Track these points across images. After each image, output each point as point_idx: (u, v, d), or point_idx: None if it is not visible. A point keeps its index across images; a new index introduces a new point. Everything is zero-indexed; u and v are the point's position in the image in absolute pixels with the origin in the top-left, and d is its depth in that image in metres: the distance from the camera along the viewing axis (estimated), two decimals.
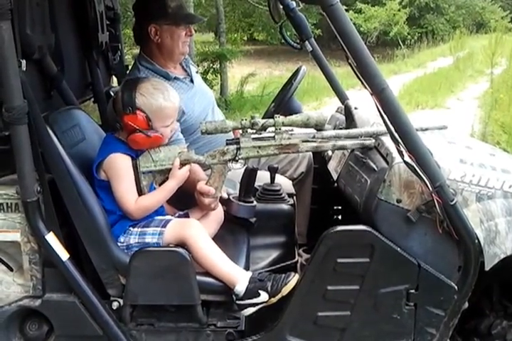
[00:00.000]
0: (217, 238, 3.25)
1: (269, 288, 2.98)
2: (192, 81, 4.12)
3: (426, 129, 3.26)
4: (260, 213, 3.57)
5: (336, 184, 3.75)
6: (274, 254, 3.61)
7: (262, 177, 3.77)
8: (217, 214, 3.45)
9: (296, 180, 4.37)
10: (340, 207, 4.47)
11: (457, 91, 16.48)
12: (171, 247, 3.06)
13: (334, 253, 2.92)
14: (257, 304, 3.00)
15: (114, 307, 3.07)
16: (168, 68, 3.98)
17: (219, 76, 15.54)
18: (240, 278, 3.02)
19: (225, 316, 3.14)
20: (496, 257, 2.96)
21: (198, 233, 3.07)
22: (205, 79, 13.47)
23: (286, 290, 2.97)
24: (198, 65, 13.91)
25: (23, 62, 2.82)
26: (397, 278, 2.97)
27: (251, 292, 2.98)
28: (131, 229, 3.13)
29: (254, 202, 3.54)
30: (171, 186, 3.18)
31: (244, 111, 13.37)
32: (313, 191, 4.47)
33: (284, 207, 3.72)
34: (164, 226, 3.12)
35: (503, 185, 3.02)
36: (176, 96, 3.19)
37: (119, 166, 3.07)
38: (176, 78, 3.98)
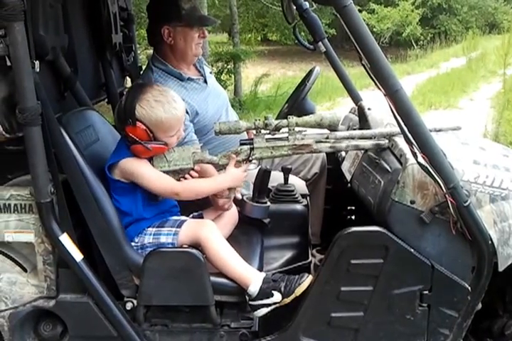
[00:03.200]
0: (231, 238, 3.25)
1: (282, 289, 2.98)
2: (206, 82, 4.12)
3: (439, 130, 3.24)
4: (274, 214, 3.57)
5: (349, 185, 3.74)
6: (287, 255, 3.61)
7: (276, 178, 3.78)
8: (232, 215, 3.46)
9: (310, 181, 4.37)
10: (353, 208, 4.46)
11: (470, 91, 16.39)
12: (185, 248, 3.06)
13: (348, 254, 2.92)
14: (270, 304, 2.99)
15: (128, 308, 3.07)
16: (181, 69, 3.98)
17: (233, 76, 15.54)
18: (253, 278, 3.02)
19: (239, 317, 3.14)
20: (510, 258, 2.96)
21: (213, 234, 3.07)
22: (219, 80, 13.47)
23: (299, 291, 2.97)
24: (212, 66, 13.93)
25: (37, 63, 2.81)
26: (410, 279, 2.96)
27: (264, 292, 2.98)
28: (146, 229, 3.13)
29: (268, 203, 3.54)
30: (221, 178, 3.19)
31: (258, 111, 13.36)
32: (326, 191, 4.47)
33: (298, 207, 3.72)
34: (179, 226, 3.12)
35: None
36: (180, 106, 3.12)
37: (137, 167, 3.07)
38: (189, 79, 3.97)
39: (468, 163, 3.01)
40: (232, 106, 4.67)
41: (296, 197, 3.77)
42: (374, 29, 26.93)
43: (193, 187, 3.15)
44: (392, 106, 2.69)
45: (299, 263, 3.54)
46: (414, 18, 29.02)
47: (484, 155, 3.17)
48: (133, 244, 3.10)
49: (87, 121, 3.38)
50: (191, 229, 3.11)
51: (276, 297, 2.98)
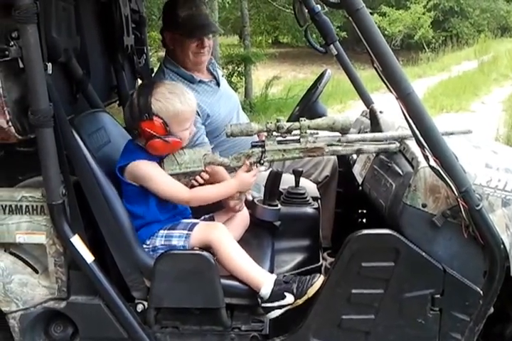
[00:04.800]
0: (242, 241, 3.24)
1: (294, 290, 2.98)
2: (218, 84, 4.13)
3: (451, 133, 3.24)
4: (285, 216, 3.58)
5: (360, 188, 3.74)
6: (298, 258, 3.61)
7: (287, 181, 3.77)
8: (243, 218, 3.45)
9: (321, 184, 4.36)
10: (364, 211, 4.44)
11: (482, 94, 16.34)
12: (196, 250, 3.07)
13: (359, 256, 2.92)
14: (282, 306, 2.99)
15: (139, 310, 3.08)
16: (193, 71, 3.99)
17: (243, 79, 15.54)
18: (265, 280, 3.01)
19: (250, 319, 3.13)
20: None
21: (224, 236, 3.08)
22: (229, 82, 13.48)
23: (311, 292, 2.97)
24: (222, 68, 13.94)
25: (49, 65, 2.82)
26: (422, 283, 2.95)
27: (276, 294, 2.98)
28: (157, 231, 3.13)
29: (279, 206, 3.55)
30: (230, 183, 3.20)
31: (268, 113, 13.36)
32: (337, 194, 4.45)
33: (309, 210, 3.72)
34: (191, 229, 3.12)
35: None
36: (193, 98, 3.16)
37: (147, 171, 3.06)
38: (200, 81, 3.98)
39: (481, 166, 3.00)
40: (243, 108, 4.68)
41: (307, 200, 3.76)
42: (385, 32, 26.80)
43: (201, 196, 3.15)
44: (404, 109, 2.68)
45: (310, 266, 3.54)
46: (425, 21, 28.92)
47: (496, 159, 3.16)
48: (144, 246, 3.10)
49: (99, 123, 3.40)
50: (203, 231, 3.11)
51: (289, 298, 2.97)
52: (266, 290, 2.99)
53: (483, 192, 2.88)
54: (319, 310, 3.01)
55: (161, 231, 3.13)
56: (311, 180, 4.26)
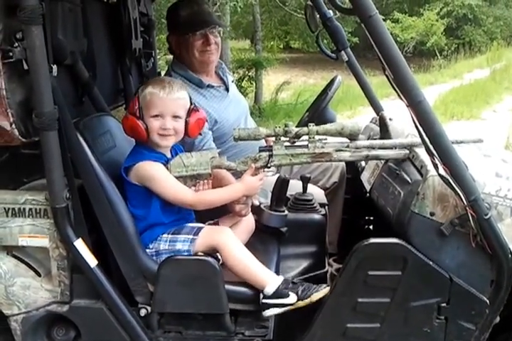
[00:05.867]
0: (248, 247, 3.21)
1: (299, 292, 2.97)
2: (227, 89, 4.12)
3: (461, 142, 3.21)
4: (291, 222, 3.55)
5: (368, 195, 3.72)
6: (304, 264, 3.58)
7: (294, 187, 3.74)
8: (249, 224, 3.43)
9: (329, 190, 4.34)
10: (371, 218, 4.43)
11: (493, 102, 16.32)
12: (200, 256, 3.05)
13: (366, 265, 2.89)
14: (283, 305, 2.97)
15: (142, 315, 3.06)
16: (201, 75, 3.98)
17: (254, 83, 15.55)
18: (271, 280, 3.00)
19: (253, 325, 3.11)
20: None
21: (230, 239, 3.06)
22: (240, 87, 13.51)
23: (316, 297, 2.96)
24: (233, 72, 13.95)
25: (54, 67, 2.81)
26: (428, 292, 2.93)
27: (281, 292, 2.97)
28: (161, 235, 3.11)
29: (286, 212, 3.53)
30: (236, 187, 3.17)
31: (277, 119, 13.38)
32: (345, 201, 4.43)
33: (316, 216, 3.69)
34: (196, 234, 3.10)
35: None
36: (176, 95, 3.11)
37: (153, 171, 3.05)
38: (209, 86, 3.97)
39: (490, 175, 2.98)
40: (252, 113, 4.68)
41: (315, 207, 3.73)
42: (398, 38, 26.75)
43: (206, 199, 3.13)
44: (414, 117, 2.66)
45: (316, 272, 3.53)
46: (438, 28, 28.88)
47: (506, 168, 3.13)
48: (147, 250, 3.08)
49: (105, 126, 3.38)
50: (208, 236, 3.09)
51: (292, 298, 2.96)
52: (271, 289, 2.97)
53: (492, 201, 2.86)
54: (324, 319, 2.99)
55: (165, 236, 3.11)
56: (318, 187, 4.24)
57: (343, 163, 4.40)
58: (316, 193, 3.94)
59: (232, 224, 3.37)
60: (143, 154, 3.11)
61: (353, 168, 4.36)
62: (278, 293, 2.97)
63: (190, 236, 3.09)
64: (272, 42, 23.22)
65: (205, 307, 3.04)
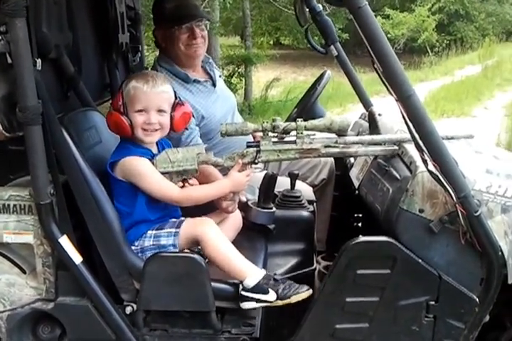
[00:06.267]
0: (235, 244, 3.18)
1: (280, 290, 2.93)
2: (214, 85, 4.08)
3: (452, 138, 3.20)
4: (279, 220, 3.53)
5: (357, 191, 3.70)
6: (292, 261, 3.55)
7: (282, 184, 3.73)
8: (235, 220, 3.40)
9: (317, 187, 4.32)
10: (360, 215, 4.39)
11: (484, 99, 16.37)
12: (186, 253, 3.03)
13: (355, 264, 2.88)
14: (261, 301, 2.94)
15: (128, 312, 3.03)
16: (187, 69, 3.94)
17: (243, 80, 15.51)
18: (252, 273, 2.97)
19: (240, 323, 3.08)
20: None
21: (211, 230, 3.02)
22: (229, 83, 13.47)
23: (295, 299, 2.92)
24: (222, 69, 13.92)
25: (38, 61, 2.77)
26: (417, 290, 2.92)
27: (261, 287, 2.94)
28: (146, 232, 3.08)
29: (273, 209, 3.50)
30: (223, 183, 3.16)
31: (267, 116, 13.29)
32: (334, 198, 4.42)
33: (304, 213, 3.67)
34: (178, 227, 3.07)
35: None
36: (160, 89, 3.08)
37: (139, 167, 3.03)
38: (195, 81, 3.94)
39: (481, 172, 2.96)
40: (242, 110, 4.65)
41: (303, 203, 3.72)
42: (388, 35, 26.66)
43: (192, 195, 3.11)
44: (403, 111, 2.64)
45: (304, 270, 3.51)
46: (430, 24, 28.83)
47: (497, 165, 3.12)
48: (133, 247, 3.05)
49: (90, 122, 3.35)
50: (190, 227, 3.05)
51: (271, 295, 2.93)
52: (251, 282, 2.94)
53: (482, 198, 2.84)
54: (313, 320, 2.97)
55: (150, 232, 3.08)
56: (307, 183, 4.23)
57: (332, 160, 4.39)
58: (305, 190, 3.92)
59: (219, 221, 3.32)
60: (129, 149, 3.08)
61: (341, 165, 4.32)
62: (258, 288, 2.94)
63: (173, 230, 3.06)
64: (261, 39, 23.19)
65: (191, 304, 3.01)
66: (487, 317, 2.99)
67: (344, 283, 2.91)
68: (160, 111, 3.08)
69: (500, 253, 2.82)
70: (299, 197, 3.72)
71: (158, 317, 3.09)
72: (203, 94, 3.92)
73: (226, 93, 4.26)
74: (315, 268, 3.62)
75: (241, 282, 2.96)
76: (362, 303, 2.93)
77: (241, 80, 15.45)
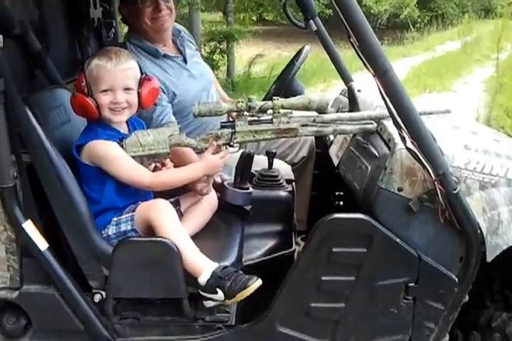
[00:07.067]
0: (210, 226, 3.18)
1: (226, 289, 2.79)
2: (185, 61, 3.95)
3: (430, 113, 3.14)
4: (256, 200, 3.46)
5: (336, 170, 3.62)
6: (270, 243, 3.51)
7: (261, 162, 3.68)
8: (211, 201, 3.31)
9: (297, 165, 4.27)
10: (342, 193, 4.34)
11: (464, 74, 16.74)
12: (156, 237, 2.90)
13: (329, 242, 2.82)
14: (216, 300, 2.85)
15: (97, 300, 2.94)
16: (157, 44, 3.83)
17: (226, 57, 15.43)
18: (204, 268, 2.84)
19: (215, 310, 3.00)
20: (498, 248, 2.87)
21: (162, 215, 2.90)
22: (211, 60, 13.35)
23: (241, 296, 2.78)
24: (204, 45, 13.81)
25: (0, 37, 2.66)
26: (396, 271, 2.88)
27: (210, 287, 2.81)
28: (112, 220, 2.99)
29: (250, 189, 3.43)
30: (196, 166, 3.07)
31: (251, 92, 13.23)
32: (314, 176, 4.37)
33: (282, 193, 3.62)
34: (134, 210, 2.97)
35: (507, 173, 2.92)
36: (124, 65, 2.97)
37: (106, 151, 2.92)
38: (165, 56, 3.82)
39: (459, 147, 2.92)
40: (225, 87, 4.54)
41: (281, 183, 3.66)
42: (371, 10, 26.84)
43: (164, 180, 3.01)
44: (380, 87, 2.57)
45: (283, 252, 3.47)
46: (412, 0, 28.97)
47: (475, 140, 3.09)
48: None
49: (57, 100, 3.24)
50: (143, 211, 2.94)
51: (220, 295, 2.80)
52: (202, 279, 2.81)
53: (460, 174, 2.81)
54: (286, 298, 2.92)
55: (114, 219, 2.99)
56: (287, 162, 4.17)
57: (313, 137, 4.32)
58: (283, 169, 3.85)
59: (194, 203, 3.26)
60: (96, 132, 2.97)
61: (322, 142, 4.26)
62: (208, 288, 2.81)
63: (130, 214, 2.97)
64: (244, 14, 23.03)
65: (162, 291, 2.92)
66: (466, 297, 2.97)
67: (318, 261, 2.85)
68: (126, 89, 2.98)
69: (478, 230, 2.79)
70: (276, 176, 3.66)
71: (129, 305, 3.00)
72: (173, 70, 3.81)
73: (201, 69, 4.12)
74: (294, 250, 3.55)
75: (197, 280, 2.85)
76: (337, 282, 2.88)
77: (223, 57, 15.39)
